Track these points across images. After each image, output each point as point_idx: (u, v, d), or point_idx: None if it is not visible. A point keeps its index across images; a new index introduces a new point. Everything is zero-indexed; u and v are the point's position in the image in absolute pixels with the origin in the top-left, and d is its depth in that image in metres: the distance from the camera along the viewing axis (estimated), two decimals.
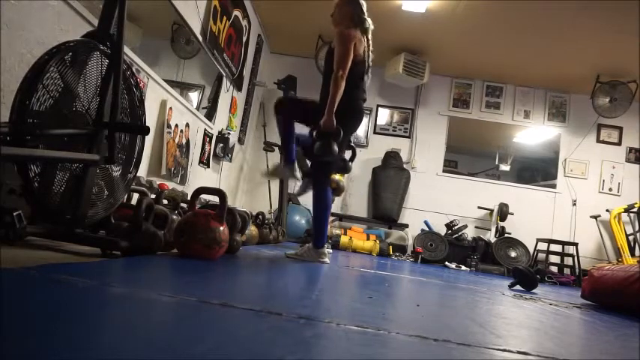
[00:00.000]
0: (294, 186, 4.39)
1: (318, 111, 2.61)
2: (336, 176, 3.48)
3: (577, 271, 5.07)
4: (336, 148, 2.56)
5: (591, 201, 5.92)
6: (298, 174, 2.88)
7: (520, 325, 1.43)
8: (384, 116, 6.32)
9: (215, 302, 0.90)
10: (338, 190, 3.67)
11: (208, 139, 4.42)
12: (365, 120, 6.25)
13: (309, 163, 2.97)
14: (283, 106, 2.85)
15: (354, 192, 6.11)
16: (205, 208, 1.93)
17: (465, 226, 5.72)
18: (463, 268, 5.17)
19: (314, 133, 2.59)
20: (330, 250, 2.92)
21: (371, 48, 2.78)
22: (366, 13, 2.70)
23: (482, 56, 5.62)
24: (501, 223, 5.70)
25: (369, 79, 2.81)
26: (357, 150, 3.16)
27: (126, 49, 1.89)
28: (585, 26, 4.53)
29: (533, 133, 6.57)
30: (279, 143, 2.89)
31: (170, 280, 1.29)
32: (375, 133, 6.25)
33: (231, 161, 5.18)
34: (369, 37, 2.75)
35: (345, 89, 2.54)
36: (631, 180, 5.96)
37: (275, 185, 5.50)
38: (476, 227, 5.95)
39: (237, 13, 4.53)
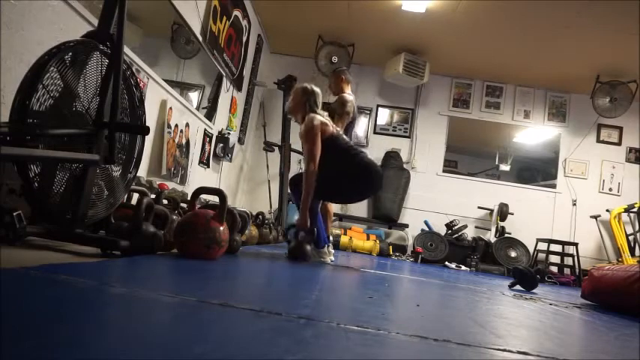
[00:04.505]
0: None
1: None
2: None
3: (577, 271, 5.07)
4: (308, 249, 2.57)
5: (591, 201, 5.92)
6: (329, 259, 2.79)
7: (520, 325, 1.43)
8: (384, 116, 6.32)
9: (215, 302, 0.90)
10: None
11: (208, 139, 4.41)
12: (365, 120, 6.26)
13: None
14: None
15: None
16: (205, 208, 1.93)
17: (465, 226, 5.72)
18: (463, 268, 5.17)
19: (289, 231, 2.63)
20: (333, 250, 2.91)
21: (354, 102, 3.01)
22: (319, 100, 2.75)
23: (482, 56, 5.61)
24: (501, 223, 5.70)
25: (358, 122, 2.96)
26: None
27: (126, 49, 1.89)
28: (585, 26, 4.53)
29: (533, 133, 6.57)
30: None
31: (170, 280, 1.29)
32: (375, 133, 6.25)
33: (231, 161, 5.18)
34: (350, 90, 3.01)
35: (336, 162, 2.58)
36: (631, 180, 5.96)
37: (275, 185, 5.49)
38: (476, 227, 5.95)
39: (237, 13, 4.53)
